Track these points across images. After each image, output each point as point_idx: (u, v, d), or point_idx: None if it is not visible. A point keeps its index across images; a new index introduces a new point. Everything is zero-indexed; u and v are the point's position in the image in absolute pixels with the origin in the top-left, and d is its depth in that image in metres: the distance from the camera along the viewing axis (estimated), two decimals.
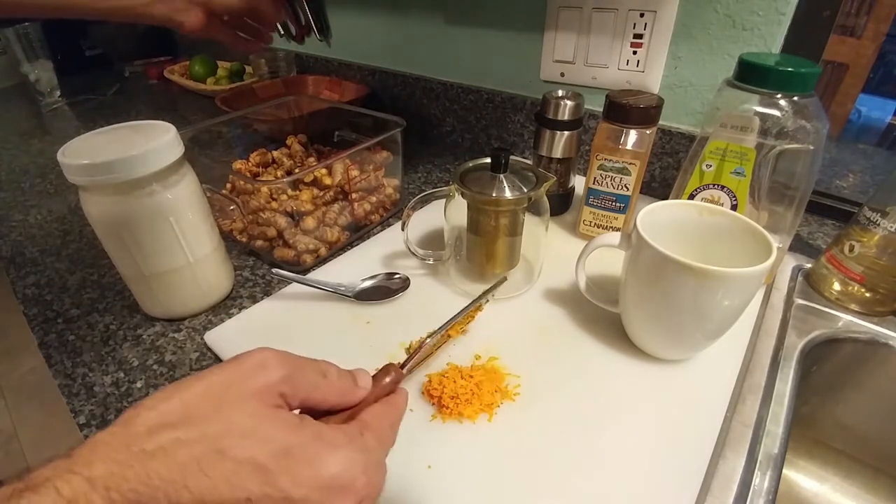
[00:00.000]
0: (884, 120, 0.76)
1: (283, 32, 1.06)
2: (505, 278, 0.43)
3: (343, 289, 0.47)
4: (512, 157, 0.43)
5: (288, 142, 0.69)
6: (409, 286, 0.48)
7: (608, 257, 0.42)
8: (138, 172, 0.38)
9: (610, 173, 0.51)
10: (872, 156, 0.74)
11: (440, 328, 0.35)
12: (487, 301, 0.40)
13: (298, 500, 0.19)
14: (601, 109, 0.51)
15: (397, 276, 0.50)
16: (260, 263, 0.56)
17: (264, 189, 0.56)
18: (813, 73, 0.39)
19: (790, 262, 0.51)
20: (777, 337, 0.43)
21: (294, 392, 0.22)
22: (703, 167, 0.45)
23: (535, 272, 0.49)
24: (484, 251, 0.47)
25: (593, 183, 0.52)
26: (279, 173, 0.64)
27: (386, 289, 0.48)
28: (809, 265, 0.50)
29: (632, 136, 0.49)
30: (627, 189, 0.51)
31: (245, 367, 0.21)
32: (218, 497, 0.18)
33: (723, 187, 0.45)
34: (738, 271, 0.32)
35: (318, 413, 0.24)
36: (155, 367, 0.43)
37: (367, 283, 0.49)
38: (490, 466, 0.33)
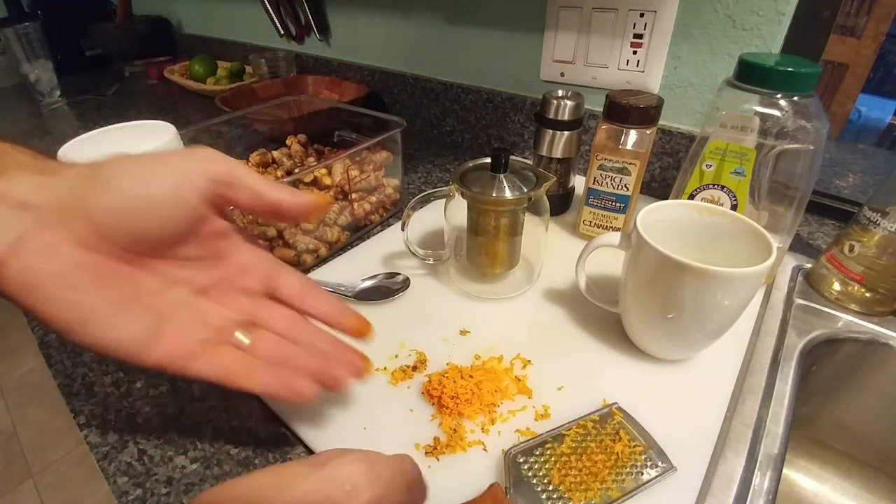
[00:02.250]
0: (884, 120, 0.76)
1: (283, 32, 1.06)
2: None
3: (343, 289, 0.47)
4: (512, 157, 0.43)
5: (288, 142, 0.69)
6: (409, 286, 0.48)
7: (608, 257, 0.42)
8: None
9: (610, 173, 0.51)
10: (872, 156, 0.74)
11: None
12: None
13: None
14: (601, 109, 0.51)
15: (397, 276, 0.50)
16: None
17: None
18: (813, 73, 0.39)
19: (790, 262, 0.51)
20: (777, 337, 0.43)
21: None
22: (703, 167, 0.45)
23: (535, 272, 0.49)
24: (484, 251, 0.47)
25: (593, 183, 0.52)
26: (279, 173, 0.64)
27: (386, 289, 0.48)
28: (809, 265, 0.50)
29: (632, 136, 0.49)
30: (627, 189, 0.51)
31: (332, 486, 0.20)
32: None
33: (723, 187, 0.45)
34: (737, 271, 0.32)
35: None
36: None
37: (367, 283, 0.49)
38: (490, 466, 0.33)
